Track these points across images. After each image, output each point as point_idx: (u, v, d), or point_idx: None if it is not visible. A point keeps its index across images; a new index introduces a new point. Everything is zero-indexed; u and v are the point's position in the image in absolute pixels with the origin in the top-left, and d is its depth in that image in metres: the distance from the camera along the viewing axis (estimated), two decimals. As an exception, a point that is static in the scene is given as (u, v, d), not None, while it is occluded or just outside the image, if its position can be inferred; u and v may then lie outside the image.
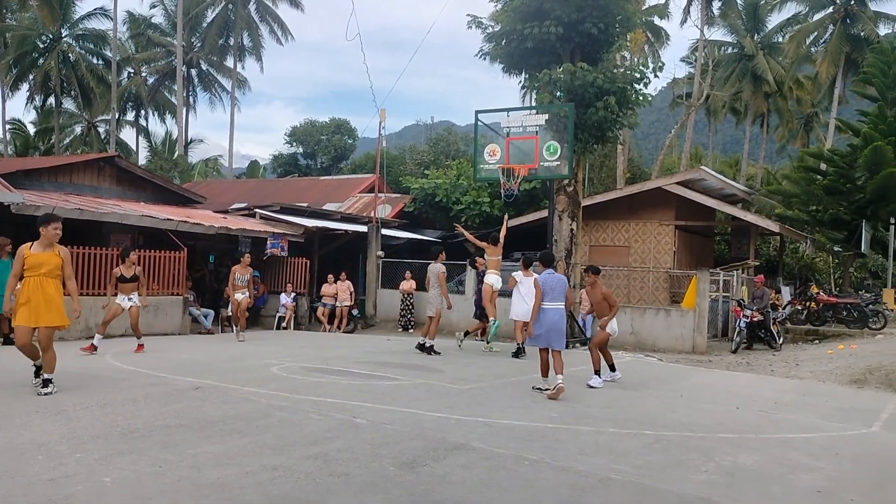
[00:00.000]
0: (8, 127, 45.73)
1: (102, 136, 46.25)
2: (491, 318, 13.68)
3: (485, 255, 14.26)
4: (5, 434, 6.10)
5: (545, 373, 9.12)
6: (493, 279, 13.85)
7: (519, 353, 13.15)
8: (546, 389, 8.93)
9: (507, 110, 17.23)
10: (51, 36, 41.10)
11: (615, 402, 9.07)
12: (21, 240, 14.91)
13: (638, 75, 17.57)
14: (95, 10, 42.73)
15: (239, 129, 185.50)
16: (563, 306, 9.08)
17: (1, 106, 43.37)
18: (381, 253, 21.48)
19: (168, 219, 17.07)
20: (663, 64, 19.59)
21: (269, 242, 19.21)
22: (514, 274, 12.92)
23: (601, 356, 10.26)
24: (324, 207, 25.25)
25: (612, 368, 10.48)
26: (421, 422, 7.19)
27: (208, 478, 5.06)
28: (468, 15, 18.47)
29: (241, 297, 15.28)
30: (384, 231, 22.35)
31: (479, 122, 17.13)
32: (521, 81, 19.67)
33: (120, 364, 10.76)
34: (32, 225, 14.41)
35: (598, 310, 10.25)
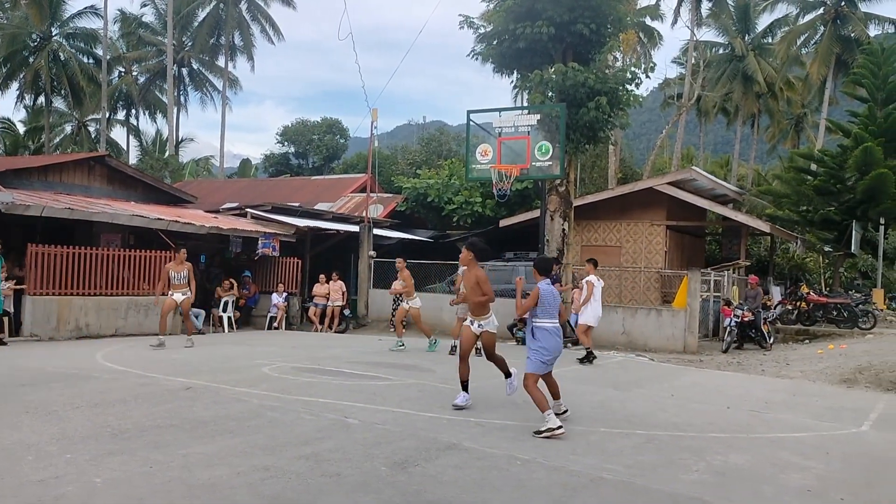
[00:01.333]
0: (-2, 126, 45.52)
1: (93, 136, 46.06)
2: (398, 338, 13.80)
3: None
4: (-6, 435, 6.06)
5: (555, 396, 7.49)
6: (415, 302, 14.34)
7: (589, 356, 13.22)
8: (552, 429, 6.78)
9: (499, 110, 17.24)
10: (41, 35, 40.89)
11: (606, 401, 9.08)
12: (11, 239, 14.87)
13: (629, 76, 17.58)
14: (86, 8, 42.61)
15: (230, 128, 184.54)
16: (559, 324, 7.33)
17: (-10, 105, 43.12)
18: (372, 253, 21.45)
19: (159, 218, 17.00)
20: (655, 65, 19.62)
21: (260, 242, 19.16)
22: (587, 279, 13.45)
23: (498, 363, 7.97)
24: (315, 207, 25.19)
25: (508, 374, 8.02)
26: (413, 422, 7.18)
27: (199, 478, 5.05)
28: (460, 15, 18.47)
29: (180, 297, 13.50)
30: (376, 231, 22.32)
31: (471, 123, 17.13)
32: (512, 81, 19.71)
33: (111, 364, 10.71)
34: (22, 225, 14.33)
35: (471, 298, 7.94)
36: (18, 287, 14.29)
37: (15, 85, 42.61)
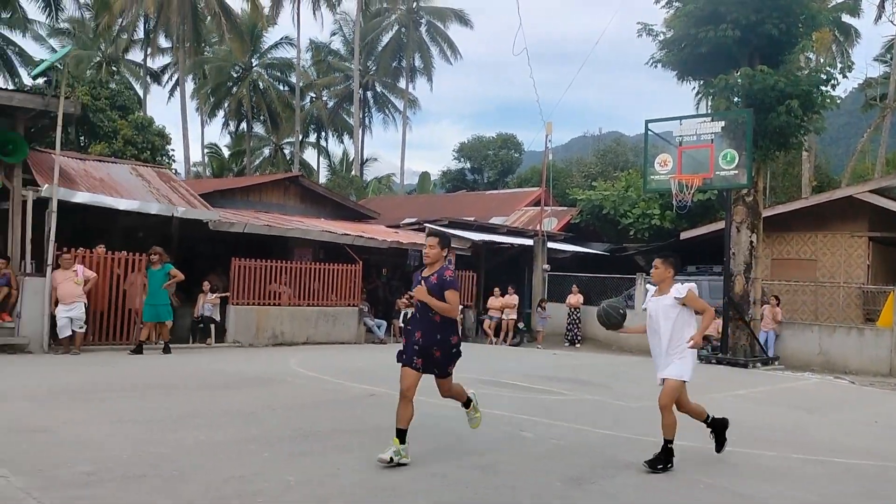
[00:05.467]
0: (206, 151, 50.24)
1: (288, 157, 49.59)
2: None
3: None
4: (203, 432, 6.67)
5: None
6: None
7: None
8: None
9: (680, 118, 16.67)
10: (243, 66, 44.73)
11: (800, 426, 8.46)
12: (218, 253, 16.38)
13: (824, 77, 16.40)
14: (281, 39, 46.07)
15: (410, 146, 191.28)
16: None
17: (200, 131, 47.74)
18: (546, 266, 21.39)
19: (345, 234, 17.99)
20: (853, 64, 18.13)
21: (438, 256, 19.67)
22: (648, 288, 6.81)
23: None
24: (490, 221, 25.54)
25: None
26: (588, 438, 7.07)
27: (381, 482, 5.26)
28: (638, 23, 18.06)
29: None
30: (550, 244, 22.25)
31: (650, 132, 16.71)
32: (694, 88, 18.95)
33: (302, 370, 11.45)
34: (225, 240, 15.68)
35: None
36: (223, 296, 15.68)
37: (221, 113, 46.95)
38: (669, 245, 24.09)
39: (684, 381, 6.10)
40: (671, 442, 6.02)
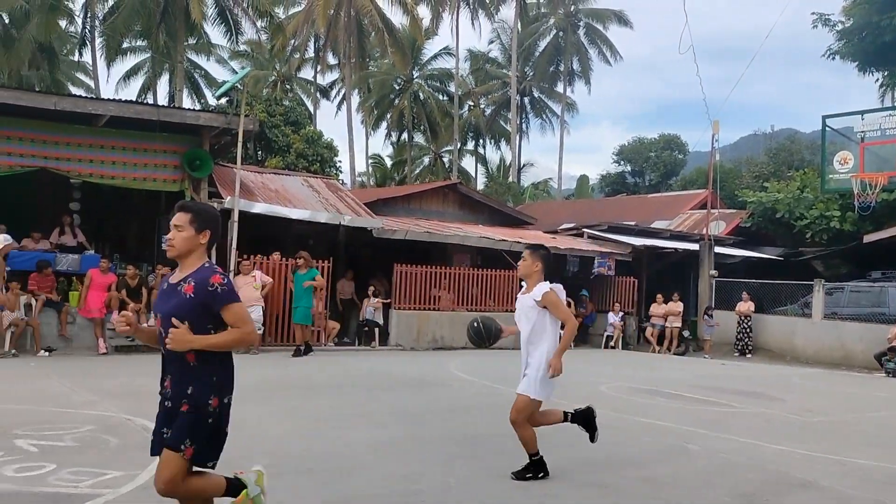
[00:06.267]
0: (370, 161, 52.36)
1: (447, 165, 50.69)
2: None
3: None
4: (368, 431, 6.96)
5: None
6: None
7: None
8: None
9: (862, 113, 15.48)
10: (404, 78, 46.30)
11: None
12: (381, 258, 17.03)
13: None
14: (441, 51, 47.25)
15: (567, 150, 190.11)
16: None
17: (365, 143, 49.83)
18: (714, 272, 20.45)
19: (502, 239, 18.13)
20: None
21: (596, 261, 19.39)
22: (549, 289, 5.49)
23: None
24: (652, 225, 24.78)
25: None
26: (759, 453, 6.70)
27: (540, 489, 5.26)
28: (813, 13, 17.02)
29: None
30: (717, 249, 21.25)
31: (827, 128, 15.64)
32: (878, 79, 17.55)
33: (461, 374, 11.67)
34: (390, 247, 16.28)
35: None
36: (385, 302, 16.29)
37: (384, 124, 48.86)
38: (851, 249, 22.34)
39: (537, 400, 5.36)
40: (535, 455, 5.44)
